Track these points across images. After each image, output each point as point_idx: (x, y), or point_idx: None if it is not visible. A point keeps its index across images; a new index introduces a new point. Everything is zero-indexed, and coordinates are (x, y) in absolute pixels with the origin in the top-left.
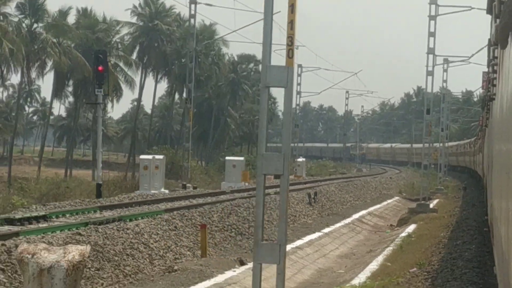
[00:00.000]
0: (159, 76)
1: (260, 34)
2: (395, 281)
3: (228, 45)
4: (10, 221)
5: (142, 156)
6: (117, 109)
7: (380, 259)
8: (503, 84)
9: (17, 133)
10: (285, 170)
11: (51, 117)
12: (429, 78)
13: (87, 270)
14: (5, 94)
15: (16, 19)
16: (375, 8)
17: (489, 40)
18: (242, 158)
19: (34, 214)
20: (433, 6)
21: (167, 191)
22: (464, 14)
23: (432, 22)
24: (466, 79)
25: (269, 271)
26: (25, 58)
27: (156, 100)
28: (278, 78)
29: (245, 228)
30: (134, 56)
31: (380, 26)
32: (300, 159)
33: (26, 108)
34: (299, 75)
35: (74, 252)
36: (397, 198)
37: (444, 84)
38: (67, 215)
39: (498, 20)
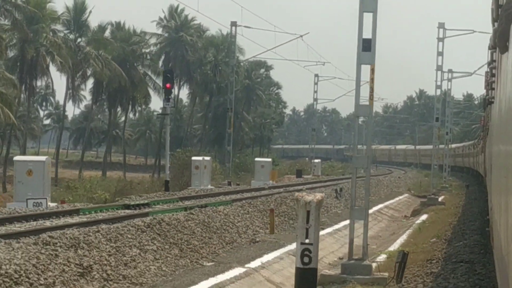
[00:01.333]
0: (181, 83)
1: (287, 51)
2: (421, 247)
3: (244, 52)
4: (127, 207)
5: (194, 158)
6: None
7: (404, 237)
8: (501, 88)
9: (34, 135)
10: (368, 165)
11: (65, 119)
12: (438, 91)
13: (204, 237)
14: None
15: (61, 34)
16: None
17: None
18: (269, 160)
19: (139, 202)
20: (441, 30)
21: (213, 187)
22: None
23: (440, 43)
24: (468, 83)
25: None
26: (71, 68)
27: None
28: (364, 110)
29: (293, 215)
30: (160, 64)
31: (384, 33)
32: (317, 160)
33: (41, 111)
34: (315, 83)
35: (318, 196)
36: (406, 195)
37: (449, 92)
38: (161, 203)
39: (496, 24)
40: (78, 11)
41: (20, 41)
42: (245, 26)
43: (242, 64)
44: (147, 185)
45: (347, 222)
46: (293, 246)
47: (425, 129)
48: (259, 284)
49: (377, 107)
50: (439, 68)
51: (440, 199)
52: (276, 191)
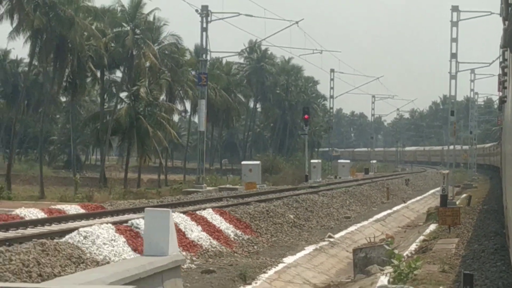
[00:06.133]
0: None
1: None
2: (472, 203)
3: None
4: (311, 187)
5: (312, 160)
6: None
7: (463, 199)
8: None
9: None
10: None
11: None
12: (453, 82)
13: (350, 202)
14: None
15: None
16: (400, 18)
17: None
18: (348, 161)
19: (314, 185)
20: (455, 13)
21: (322, 180)
22: (486, 21)
23: (454, 28)
24: (492, 85)
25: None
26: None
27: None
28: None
29: (378, 198)
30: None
31: (404, 36)
32: (374, 161)
33: None
34: (331, 79)
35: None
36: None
37: (471, 93)
38: (302, 189)
39: (506, 23)
40: (198, 54)
41: (170, 81)
42: (246, 15)
43: (300, 83)
44: (291, 178)
45: (417, 198)
46: (400, 206)
47: (451, 131)
48: (402, 216)
49: (404, 112)
50: (453, 56)
51: (474, 185)
52: (347, 184)
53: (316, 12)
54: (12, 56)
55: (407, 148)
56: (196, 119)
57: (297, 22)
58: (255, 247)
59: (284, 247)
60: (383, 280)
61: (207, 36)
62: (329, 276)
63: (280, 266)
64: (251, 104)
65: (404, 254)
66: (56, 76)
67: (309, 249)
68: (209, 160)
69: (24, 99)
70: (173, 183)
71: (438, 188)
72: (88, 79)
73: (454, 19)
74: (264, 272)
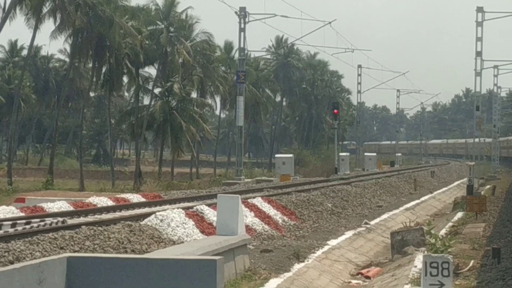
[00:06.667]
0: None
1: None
2: (497, 191)
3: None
4: (341, 179)
5: (341, 154)
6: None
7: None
8: None
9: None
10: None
11: None
12: (478, 79)
13: (380, 193)
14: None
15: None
16: (427, 14)
17: None
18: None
19: (343, 177)
20: (479, 14)
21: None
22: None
23: (479, 28)
24: None
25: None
26: (225, 93)
27: None
28: None
29: (406, 189)
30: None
31: (431, 31)
32: (398, 154)
33: None
34: (359, 74)
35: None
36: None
37: (495, 88)
38: (334, 181)
39: None
40: (228, 51)
41: (202, 77)
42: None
43: (326, 78)
44: (319, 171)
45: (442, 189)
46: (428, 196)
47: (472, 124)
48: (430, 205)
49: (427, 105)
50: (478, 54)
51: (497, 176)
52: (377, 176)
53: (348, 12)
54: (43, 52)
55: (433, 141)
56: (222, 114)
57: (330, 23)
58: (301, 231)
59: (326, 232)
60: (420, 257)
61: (244, 37)
62: (368, 257)
63: (326, 247)
64: (277, 99)
65: None
66: (93, 72)
67: (349, 234)
68: (234, 154)
69: (54, 94)
70: (203, 176)
71: (463, 180)
72: (124, 76)
73: (479, 20)
74: (313, 252)
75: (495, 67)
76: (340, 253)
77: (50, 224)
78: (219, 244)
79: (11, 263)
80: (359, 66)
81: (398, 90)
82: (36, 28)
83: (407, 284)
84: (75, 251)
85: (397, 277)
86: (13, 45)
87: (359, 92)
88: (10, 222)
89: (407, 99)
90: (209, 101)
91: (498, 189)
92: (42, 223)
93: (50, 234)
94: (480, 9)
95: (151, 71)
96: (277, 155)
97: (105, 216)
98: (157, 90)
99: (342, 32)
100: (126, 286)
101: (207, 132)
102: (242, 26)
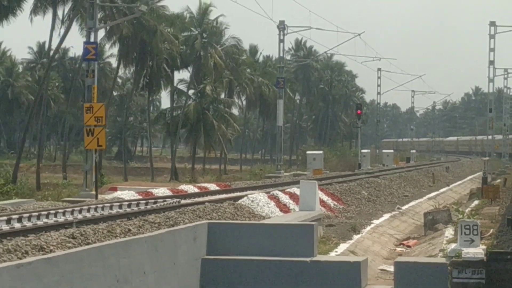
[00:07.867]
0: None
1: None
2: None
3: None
4: (367, 172)
5: (363, 150)
6: None
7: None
8: None
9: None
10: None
11: None
12: (491, 84)
13: (404, 185)
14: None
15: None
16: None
17: None
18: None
19: (367, 171)
20: (492, 27)
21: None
22: None
23: (492, 40)
24: None
25: None
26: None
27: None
28: None
29: (425, 182)
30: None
31: (442, 32)
32: (413, 151)
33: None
34: (378, 77)
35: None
36: (480, 172)
37: (505, 90)
38: (361, 175)
39: None
40: (253, 54)
41: (232, 79)
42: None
43: (343, 78)
44: (342, 167)
45: (457, 183)
46: (445, 189)
47: (482, 122)
48: (448, 196)
49: (432, 102)
50: (491, 63)
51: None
52: (392, 171)
53: (373, 24)
54: (70, 53)
55: (449, 138)
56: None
57: (359, 34)
58: (348, 213)
59: (368, 214)
60: (450, 231)
61: (283, 48)
62: (405, 234)
63: (372, 225)
64: (297, 98)
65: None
66: (135, 76)
67: (386, 216)
68: (252, 151)
69: (81, 94)
70: (230, 173)
71: (475, 175)
72: (162, 79)
73: (492, 33)
74: (364, 228)
75: (505, 70)
76: (383, 230)
77: (171, 203)
78: (306, 215)
79: (173, 226)
80: (379, 69)
81: (413, 91)
82: (66, 34)
83: (441, 249)
84: (209, 220)
85: (433, 243)
86: (41, 46)
87: (379, 93)
88: (153, 201)
89: (419, 98)
90: (236, 101)
91: (509, 181)
92: (169, 201)
93: (191, 207)
94: (492, 23)
95: (184, 74)
96: (308, 152)
97: (212, 197)
98: (190, 92)
99: (369, 42)
100: (248, 243)
101: (236, 131)
102: (282, 37)
